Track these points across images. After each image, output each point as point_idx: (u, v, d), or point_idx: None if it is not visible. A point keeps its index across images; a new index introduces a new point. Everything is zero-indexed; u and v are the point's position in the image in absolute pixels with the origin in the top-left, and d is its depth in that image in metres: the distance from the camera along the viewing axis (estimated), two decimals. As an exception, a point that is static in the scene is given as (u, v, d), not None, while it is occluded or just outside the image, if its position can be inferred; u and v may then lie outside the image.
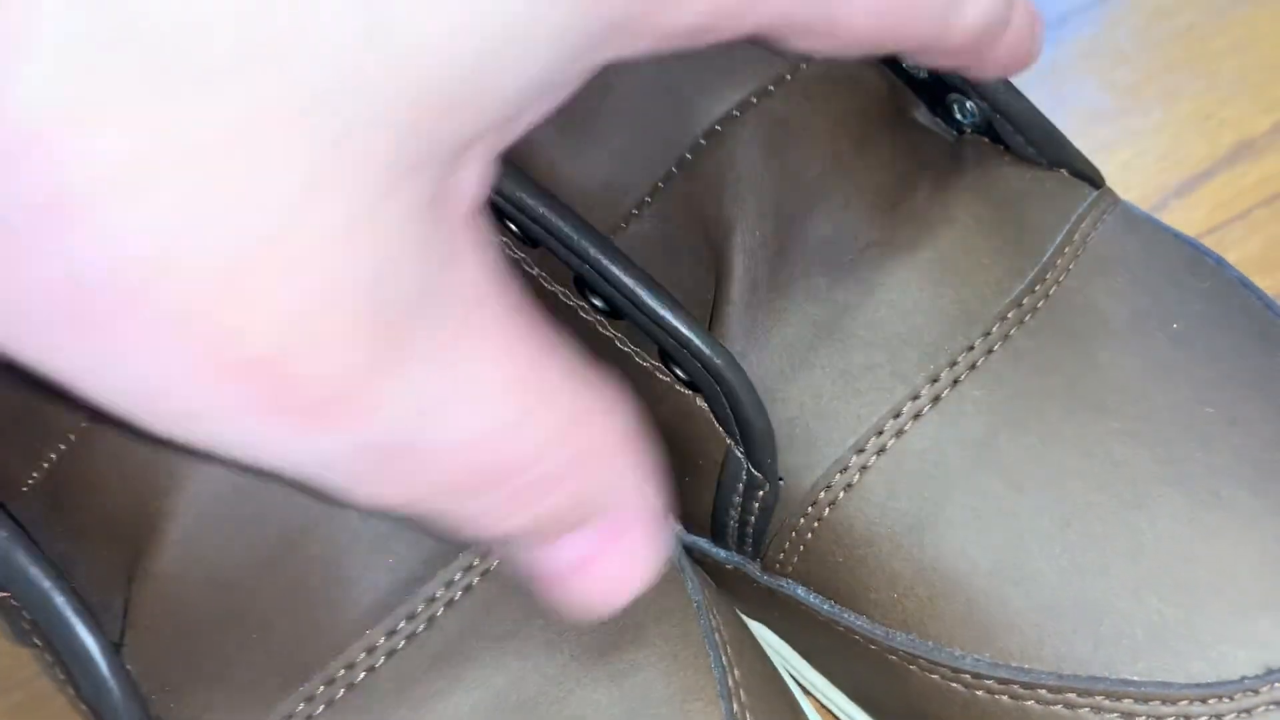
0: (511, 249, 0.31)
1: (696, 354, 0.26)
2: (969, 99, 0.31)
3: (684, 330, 0.26)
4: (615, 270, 0.26)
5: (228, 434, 0.16)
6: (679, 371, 0.28)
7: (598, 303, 0.29)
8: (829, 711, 0.33)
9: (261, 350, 0.15)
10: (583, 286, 0.29)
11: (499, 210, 0.29)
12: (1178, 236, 0.31)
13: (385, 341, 0.16)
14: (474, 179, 0.17)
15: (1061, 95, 0.45)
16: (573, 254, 0.26)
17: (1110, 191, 0.32)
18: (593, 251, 0.26)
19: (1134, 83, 0.45)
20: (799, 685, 0.33)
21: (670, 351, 0.27)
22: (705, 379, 0.27)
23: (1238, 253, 0.41)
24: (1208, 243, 0.41)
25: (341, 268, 0.15)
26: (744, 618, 0.32)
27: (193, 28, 0.13)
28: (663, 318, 0.26)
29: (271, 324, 0.15)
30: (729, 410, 0.27)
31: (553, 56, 0.16)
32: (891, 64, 0.31)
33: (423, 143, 0.15)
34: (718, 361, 0.26)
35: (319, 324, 0.15)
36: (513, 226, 0.29)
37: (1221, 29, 0.46)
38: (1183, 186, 0.43)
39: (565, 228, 0.26)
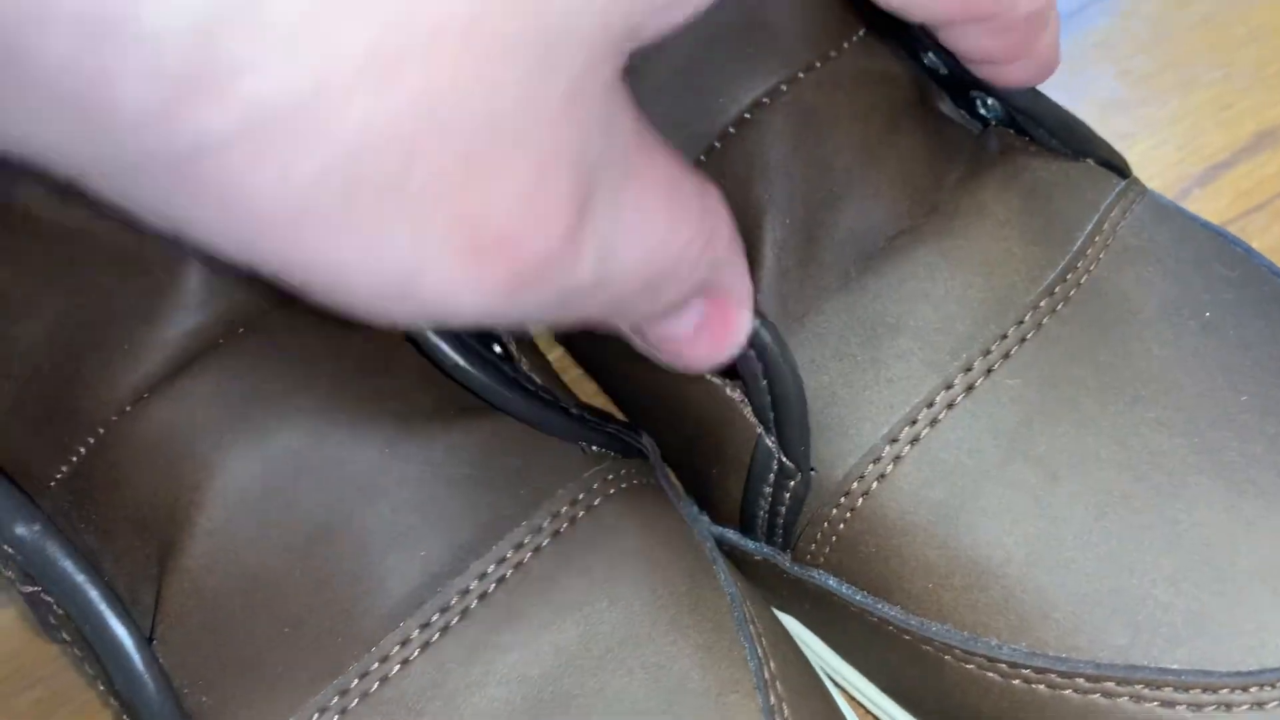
0: None
1: None
2: (990, 96, 0.31)
3: None
4: None
5: (458, 310, 0.18)
6: None
7: None
8: (860, 705, 0.33)
9: (501, 228, 0.16)
10: None
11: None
12: (1205, 225, 0.31)
13: (585, 204, 0.18)
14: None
15: (1078, 85, 0.45)
16: None
17: (1137, 181, 0.32)
18: None
19: (1151, 72, 0.45)
20: (830, 679, 0.32)
21: None
22: (747, 358, 0.27)
23: (1260, 242, 0.41)
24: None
25: (559, 142, 0.16)
26: (774, 611, 0.31)
27: None
28: None
29: (507, 202, 0.16)
30: (767, 394, 0.27)
31: None
32: (913, 61, 0.31)
33: (619, 19, 0.17)
34: (766, 337, 0.26)
35: (543, 197, 0.17)
36: None
37: (1239, 17, 0.46)
38: (1203, 176, 0.43)
39: None
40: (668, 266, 0.21)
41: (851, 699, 0.33)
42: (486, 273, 0.17)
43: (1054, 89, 0.37)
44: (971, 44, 0.25)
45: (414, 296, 0.17)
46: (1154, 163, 0.43)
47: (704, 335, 0.24)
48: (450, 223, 0.16)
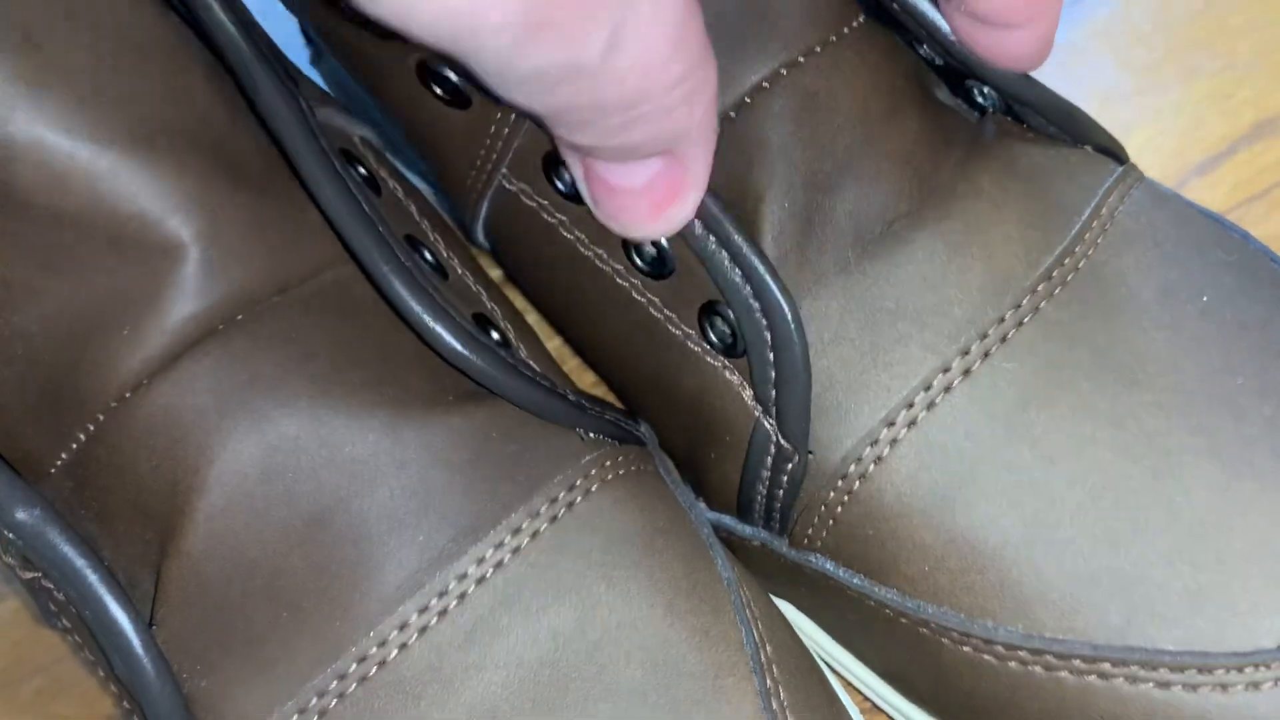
0: (550, 213, 0.31)
1: (761, 290, 0.27)
2: (987, 84, 0.31)
3: (757, 262, 0.27)
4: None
5: (478, 30, 0.21)
6: (714, 337, 0.29)
7: (640, 263, 0.29)
8: (856, 690, 0.33)
9: None
10: (628, 248, 0.30)
11: (547, 173, 0.29)
12: (1202, 212, 0.32)
13: None
14: None
15: (1078, 75, 0.45)
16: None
17: (1134, 167, 0.32)
18: None
19: (1151, 62, 0.45)
20: (825, 664, 0.33)
21: (728, 293, 0.28)
22: (757, 328, 0.27)
23: (1259, 230, 0.41)
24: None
25: None
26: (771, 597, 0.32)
27: None
28: (740, 247, 0.27)
29: None
30: (772, 369, 0.28)
31: None
32: (910, 50, 0.31)
33: None
34: (785, 306, 0.27)
35: None
36: (558, 185, 0.29)
37: (1239, 6, 0.46)
38: (1203, 165, 0.43)
39: None
40: (655, 89, 0.23)
41: (847, 684, 0.33)
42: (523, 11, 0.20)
43: (1054, 78, 0.37)
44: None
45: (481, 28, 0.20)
46: (1154, 152, 0.43)
47: (649, 195, 0.26)
48: None
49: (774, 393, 0.28)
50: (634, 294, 0.30)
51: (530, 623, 0.27)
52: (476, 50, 0.21)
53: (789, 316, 0.27)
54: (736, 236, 0.27)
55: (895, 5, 0.29)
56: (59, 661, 0.38)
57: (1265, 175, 0.42)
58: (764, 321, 0.27)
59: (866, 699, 0.33)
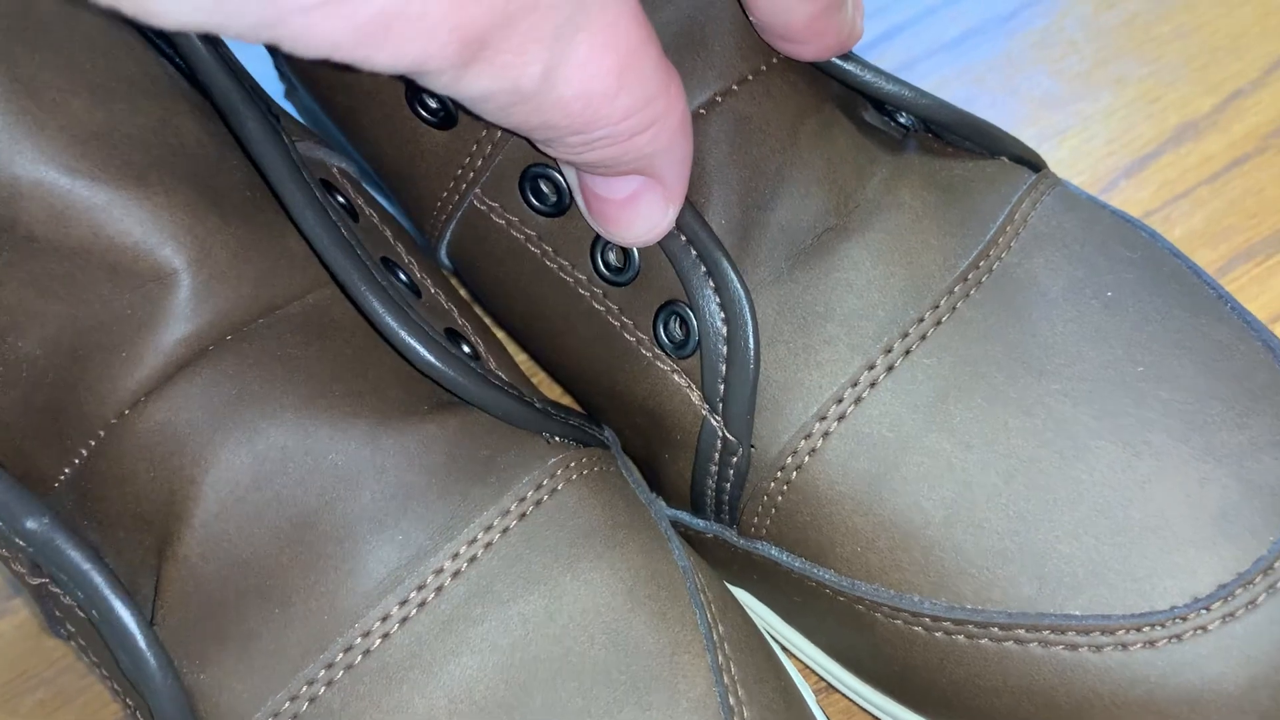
0: (519, 229, 0.33)
1: (724, 286, 0.30)
2: (902, 111, 0.33)
3: (724, 261, 0.30)
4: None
5: (424, 59, 0.23)
6: (666, 338, 0.31)
7: (604, 269, 0.32)
8: (806, 667, 0.35)
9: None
10: (594, 251, 0.32)
11: (524, 189, 0.32)
12: (1114, 212, 0.34)
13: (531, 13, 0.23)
14: None
15: (1015, 84, 0.47)
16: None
17: (1050, 173, 0.34)
18: None
19: (1083, 70, 0.47)
20: (777, 644, 0.35)
21: (690, 290, 0.30)
22: (713, 324, 0.30)
23: (1183, 228, 0.43)
24: (1154, 220, 0.44)
25: None
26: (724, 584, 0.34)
27: None
28: (707, 245, 0.30)
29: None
30: (723, 362, 0.30)
31: None
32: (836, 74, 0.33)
33: None
34: (744, 298, 0.30)
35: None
36: (533, 201, 0.32)
37: (1164, 16, 0.48)
38: (1131, 167, 0.45)
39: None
40: (603, 119, 0.25)
41: (797, 660, 0.35)
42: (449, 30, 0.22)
43: (993, 88, 0.39)
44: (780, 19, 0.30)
45: (392, 38, 0.22)
46: (1085, 156, 0.45)
47: (631, 207, 0.29)
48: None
49: (722, 387, 0.30)
50: (594, 303, 0.32)
51: (502, 611, 0.29)
52: (431, 77, 0.23)
53: (746, 308, 0.29)
54: (703, 234, 0.29)
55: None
56: (61, 674, 0.39)
57: (1189, 175, 0.45)
58: (721, 315, 0.29)
59: (821, 679, 0.35)
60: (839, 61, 0.32)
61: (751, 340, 0.30)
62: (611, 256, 0.32)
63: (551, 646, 0.28)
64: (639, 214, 0.29)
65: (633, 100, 0.25)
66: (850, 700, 0.34)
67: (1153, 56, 0.47)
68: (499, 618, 0.29)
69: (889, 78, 0.32)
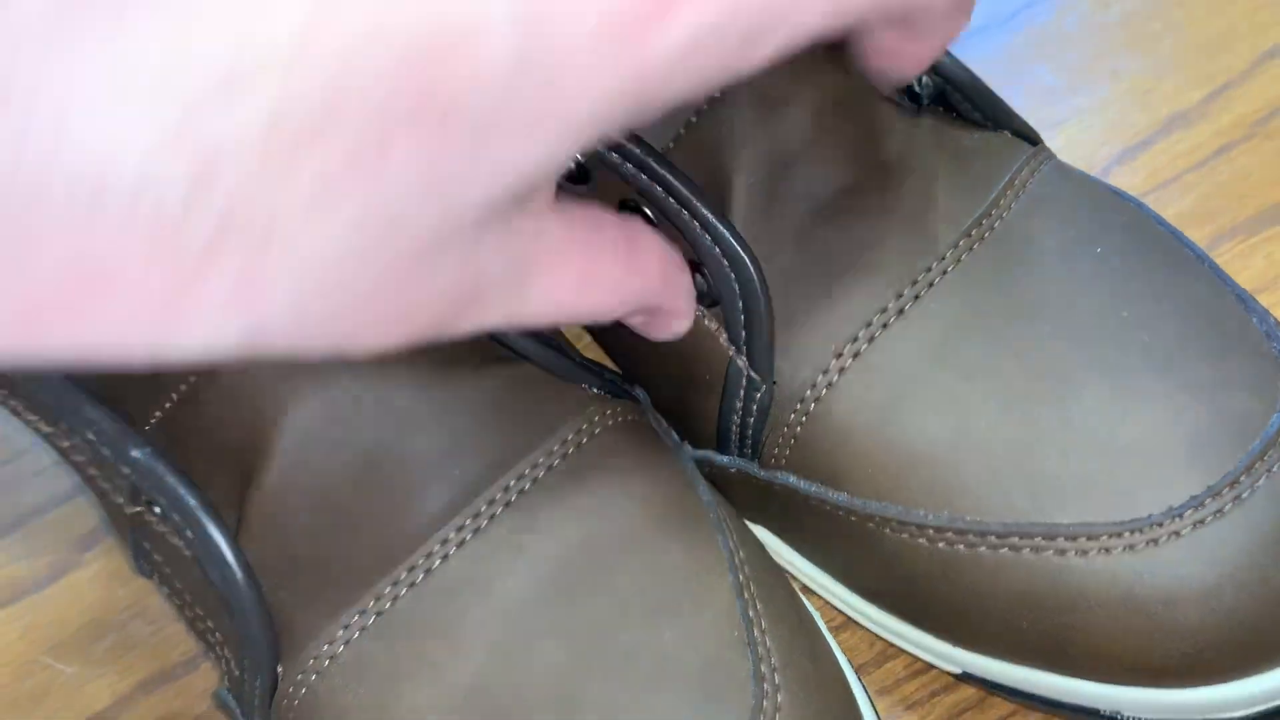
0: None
1: (729, 252, 0.32)
2: (924, 74, 0.37)
3: (724, 230, 0.32)
4: (673, 179, 0.31)
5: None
6: (700, 276, 0.34)
7: (649, 212, 0.34)
8: (815, 595, 0.38)
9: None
10: (630, 208, 0.34)
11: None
12: (1104, 185, 0.37)
13: (468, 306, 0.22)
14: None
15: (1017, 77, 0.50)
16: (630, 164, 0.31)
17: (1046, 148, 0.37)
18: (652, 162, 0.31)
19: (1081, 64, 0.50)
20: (796, 583, 0.38)
21: (703, 256, 0.32)
22: (728, 282, 0.32)
23: (1174, 209, 0.46)
24: (1147, 202, 0.47)
25: (409, 289, 0.21)
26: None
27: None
28: (709, 219, 0.31)
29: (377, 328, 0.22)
30: (742, 314, 0.33)
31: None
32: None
33: (463, 206, 0.20)
34: (749, 262, 0.32)
35: (400, 328, 0.22)
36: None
37: (1157, 13, 0.51)
38: (1124, 154, 0.48)
39: (627, 144, 0.31)
40: (582, 314, 0.26)
41: (807, 589, 0.38)
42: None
43: (996, 81, 0.43)
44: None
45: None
46: (1082, 145, 0.48)
47: (650, 329, 0.30)
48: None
49: (744, 334, 0.34)
50: None
51: (547, 537, 0.32)
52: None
53: (752, 272, 0.32)
54: (704, 210, 0.32)
55: None
56: (130, 620, 0.41)
57: (1178, 162, 0.48)
58: (733, 276, 0.33)
59: (837, 612, 0.39)
60: None
61: (762, 298, 0.33)
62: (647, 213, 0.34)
63: (591, 567, 0.31)
64: (659, 331, 0.30)
65: (600, 294, 0.26)
66: (862, 627, 0.37)
67: (1146, 51, 0.51)
68: (545, 543, 0.32)
69: None
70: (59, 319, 0.18)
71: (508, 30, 0.17)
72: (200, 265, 0.18)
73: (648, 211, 0.33)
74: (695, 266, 0.34)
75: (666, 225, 0.33)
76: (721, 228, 0.32)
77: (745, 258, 0.32)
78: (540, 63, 0.18)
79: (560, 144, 0.19)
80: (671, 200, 0.32)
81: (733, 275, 0.32)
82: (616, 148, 0.31)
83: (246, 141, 0.17)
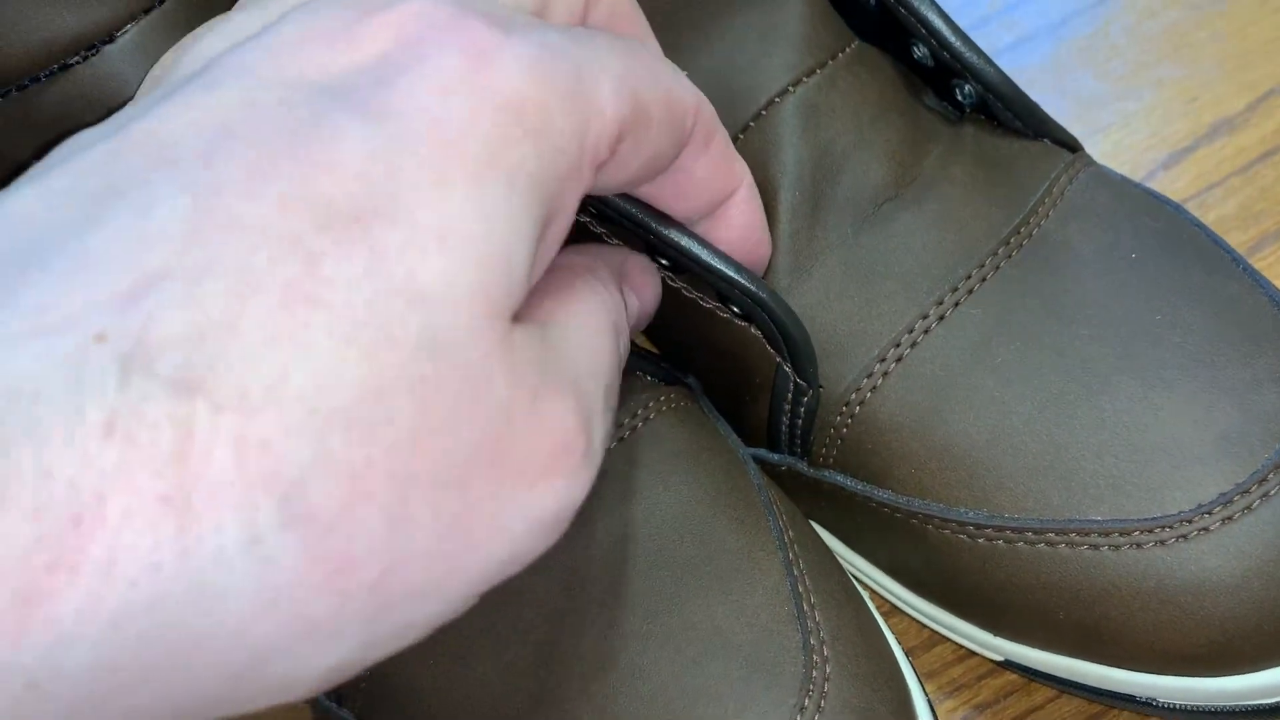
0: (592, 225, 0.37)
1: (744, 291, 0.33)
2: (967, 83, 0.38)
3: (733, 274, 0.33)
4: (676, 236, 0.32)
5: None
6: (734, 308, 0.36)
7: (664, 261, 0.35)
8: (863, 584, 0.40)
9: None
10: (651, 250, 0.35)
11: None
12: (1141, 188, 0.38)
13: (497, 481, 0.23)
14: None
15: (1063, 86, 0.51)
16: (640, 228, 0.32)
17: (1085, 154, 0.39)
18: (654, 224, 0.32)
19: (1126, 72, 0.52)
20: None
21: (724, 292, 0.34)
22: (755, 310, 0.34)
23: (1217, 213, 0.48)
24: (1190, 207, 0.48)
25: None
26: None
27: None
28: (716, 267, 0.33)
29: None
30: (778, 335, 0.35)
31: None
32: (903, 56, 0.38)
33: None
34: (762, 294, 0.33)
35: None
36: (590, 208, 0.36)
37: (1201, 23, 0.52)
38: (1168, 160, 0.49)
39: (634, 211, 0.32)
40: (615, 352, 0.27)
41: (855, 579, 0.40)
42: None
43: (1043, 89, 0.44)
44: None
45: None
46: (1127, 150, 0.50)
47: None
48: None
49: (785, 347, 0.35)
50: (668, 281, 0.36)
51: (606, 515, 0.33)
52: None
53: (769, 301, 0.33)
54: (711, 261, 0.32)
55: (902, 10, 0.36)
56: None
57: (1223, 167, 0.49)
58: (762, 312, 0.34)
59: (884, 600, 0.40)
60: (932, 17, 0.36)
61: (793, 325, 0.34)
62: (662, 260, 0.35)
63: (647, 544, 0.33)
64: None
65: (609, 339, 0.27)
66: (909, 616, 0.39)
67: (1190, 59, 0.52)
68: (604, 520, 0.33)
69: (969, 45, 0.36)
70: None
71: None
72: None
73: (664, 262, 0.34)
74: (724, 297, 0.35)
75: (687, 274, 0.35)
76: (730, 272, 0.33)
77: (761, 294, 0.33)
78: None
79: None
80: (679, 254, 0.33)
81: (762, 311, 0.34)
82: (623, 214, 0.32)
83: None
